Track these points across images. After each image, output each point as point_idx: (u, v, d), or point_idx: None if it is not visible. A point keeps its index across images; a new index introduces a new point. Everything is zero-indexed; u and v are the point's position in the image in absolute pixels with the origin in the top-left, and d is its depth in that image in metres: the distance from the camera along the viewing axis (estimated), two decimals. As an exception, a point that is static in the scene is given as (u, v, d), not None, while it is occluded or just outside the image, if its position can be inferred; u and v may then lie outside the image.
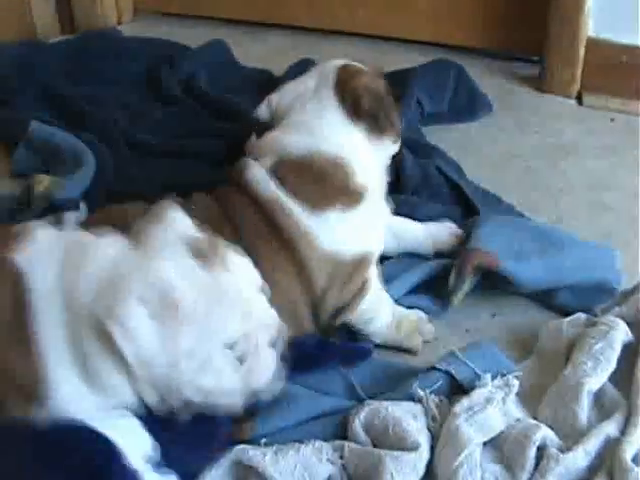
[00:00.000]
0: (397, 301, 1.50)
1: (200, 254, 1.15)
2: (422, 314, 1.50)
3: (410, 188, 1.75)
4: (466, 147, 2.01)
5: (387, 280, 1.50)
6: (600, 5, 2.10)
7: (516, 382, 1.33)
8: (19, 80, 2.25)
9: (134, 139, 1.96)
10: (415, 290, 1.54)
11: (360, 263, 1.40)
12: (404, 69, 2.14)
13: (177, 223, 1.19)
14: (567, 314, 1.47)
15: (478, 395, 1.28)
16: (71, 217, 1.68)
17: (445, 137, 2.02)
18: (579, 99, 2.19)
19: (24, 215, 1.71)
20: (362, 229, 1.42)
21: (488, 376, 1.33)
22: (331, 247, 1.37)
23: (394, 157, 1.62)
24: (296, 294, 1.36)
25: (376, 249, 1.45)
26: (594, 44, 2.14)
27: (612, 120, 2.11)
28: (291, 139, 1.43)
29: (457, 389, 1.33)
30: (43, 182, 1.76)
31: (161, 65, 2.27)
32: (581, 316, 1.45)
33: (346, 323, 1.44)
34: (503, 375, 1.34)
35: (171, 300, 1.09)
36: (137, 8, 2.72)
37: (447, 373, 1.34)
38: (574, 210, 1.81)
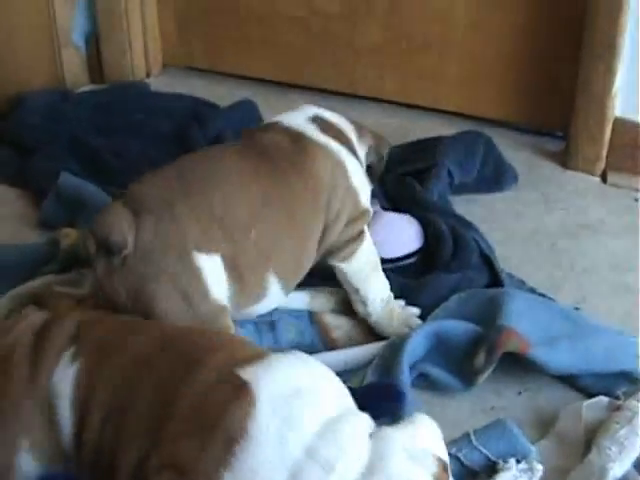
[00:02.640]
0: (417, 369, 1.49)
1: None
2: (414, 309, 1.61)
3: (443, 260, 1.74)
4: (491, 221, 1.98)
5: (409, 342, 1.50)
6: (627, 86, 2.10)
7: (540, 467, 1.30)
8: (48, 129, 2.25)
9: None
10: (436, 361, 1.52)
11: (363, 214, 1.56)
12: (433, 137, 2.13)
13: None
14: (591, 395, 1.46)
15: (502, 480, 1.26)
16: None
17: (470, 209, 2.00)
18: (604, 177, 2.18)
19: (48, 269, 1.70)
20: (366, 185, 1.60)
21: (512, 461, 1.31)
22: (355, 185, 1.54)
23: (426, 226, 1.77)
24: (317, 218, 1.49)
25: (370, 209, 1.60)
26: (620, 124, 2.14)
27: (636, 200, 2.10)
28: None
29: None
30: (70, 236, 1.75)
31: (190, 122, 2.26)
32: (603, 399, 1.43)
33: (344, 283, 1.58)
34: (523, 458, 1.32)
35: None
36: (165, 62, 2.73)
37: (457, 458, 1.32)
38: (597, 290, 1.78)
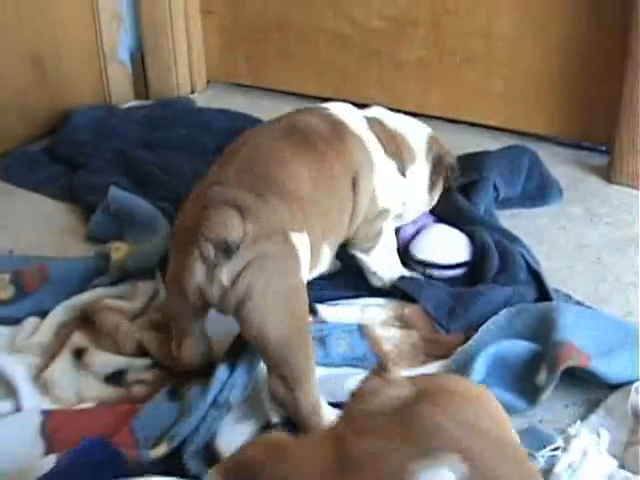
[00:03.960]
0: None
1: None
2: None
3: (490, 275, 1.73)
4: (536, 235, 1.96)
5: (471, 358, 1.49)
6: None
7: (606, 433, 1.33)
8: (96, 145, 2.27)
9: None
10: (496, 382, 1.48)
11: (381, 214, 1.65)
12: (479, 152, 2.12)
13: None
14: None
15: (573, 451, 1.30)
16: (146, 286, 1.69)
17: (515, 223, 1.98)
18: (647, 191, 2.16)
19: (99, 282, 1.70)
20: (394, 191, 1.68)
21: (582, 429, 1.34)
22: (377, 186, 1.62)
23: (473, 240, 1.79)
24: (349, 200, 1.57)
25: (392, 211, 1.69)
26: (665, 138, 2.12)
27: (681, 214, 2.08)
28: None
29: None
30: (120, 249, 1.76)
31: (234, 138, 2.26)
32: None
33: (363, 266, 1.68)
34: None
35: None
36: (210, 78, 2.74)
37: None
38: (643, 304, 1.77)
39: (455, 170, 1.83)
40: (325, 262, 1.56)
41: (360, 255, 1.68)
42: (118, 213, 1.91)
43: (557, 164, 2.23)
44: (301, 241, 1.40)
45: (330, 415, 1.34)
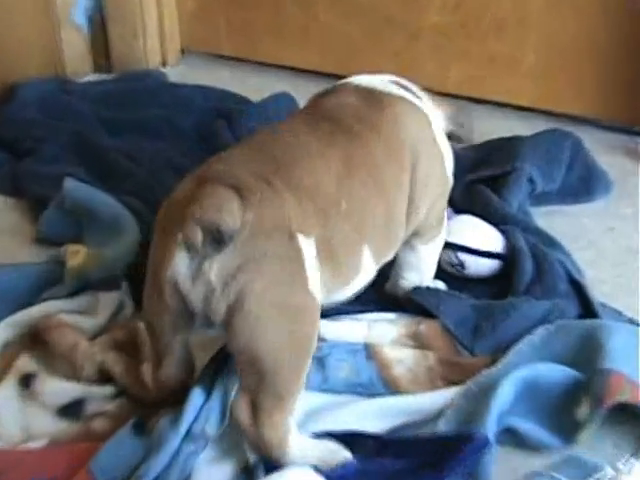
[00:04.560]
0: (502, 422, 1.46)
1: None
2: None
3: (523, 285, 1.73)
4: (578, 238, 1.96)
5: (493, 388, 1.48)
6: None
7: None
8: (46, 126, 2.27)
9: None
10: (526, 414, 1.48)
11: (447, 185, 1.67)
12: (509, 138, 2.13)
13: None
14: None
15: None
16: (109, 298, 1.68)
17: (553, 223, 1.98)
18: None
19: (52, 294, 1.70)
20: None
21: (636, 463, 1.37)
22: (441, 145, 1.63)
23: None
24: (403, 184, 1.55)
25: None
26: None
27: None
28: None
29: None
30: (78, 254, 1.75)
31: (215, 119, 2.28)
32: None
33: (406, 263, 1.70)
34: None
35: None
36: (185, 47, 2.74)
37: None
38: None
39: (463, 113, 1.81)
40: (367, 270, 1.53)
41: (420, 247, 1.69)
42: (75, 210, 1.90)
43: (603, 153, 2.23)
44: (308, 247, 1.37)
45: (302, 451, 1.35)
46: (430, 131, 1.62)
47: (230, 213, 1.27)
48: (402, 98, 1.61)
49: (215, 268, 1.29)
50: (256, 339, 1.30)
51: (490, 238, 1.82)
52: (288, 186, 1.37)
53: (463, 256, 1.78)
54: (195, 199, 1.28)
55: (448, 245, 1.77)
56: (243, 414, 1.34)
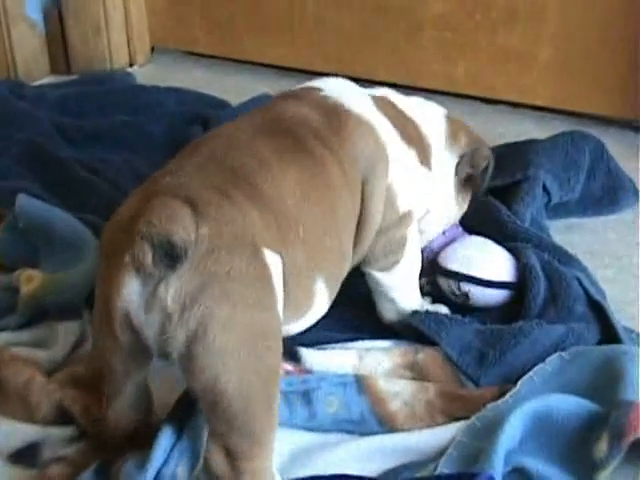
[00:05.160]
0: (510, 462, 1.48)
1: None
2: (443, 308, 1.80)
3: (536, 308, 1.76)
4: (600, 254, 2.01)
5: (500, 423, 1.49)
6: None
7: None
8: (-4, 135, 2.29)
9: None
10: (536, 451, 1.50)
11: (403, 218, 1.70)
12: (522, 142, 2.15)
13: None
14: None
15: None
16: (69, 329, 1.71)
17: (573, 238, 2.03)
18: None
19: (3, 324, 1.73)
20: (417, 186, 1.72)
21: None
22: (396, 181, 1.67)
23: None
24: (354, 212, 1.62)
25: (416, 212, 1.74)
26: None
27: None
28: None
29: None
30: (33, 280, 1.77)
31: (191, 125, 2.31)
32: None
33: (375, 292, 1.75)
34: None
35: None
36: (155, 45, 2.78)
37: None
38: None
39: (490, 164, 1.85)
40: (321, 304, 1.57)
41: (377, 275, 1.73)
42: (29, 230, 1.92)
43: (629, 157, 2.27)
44: (275, 264, 1.39)
45: None
46: (384, 163, 1.66)
47: (182, 224, 1.27)
48: (366, 124, 1.65)
49: (172, 291, 1.28)
50: (222, 374, 1.29)
51: (500, 265, 1.83)
52: (250, 199, 1.40)
53: (467, 287, 1.80)
54: (141, 214, 1.28)
55: (450, 274, 1.81)
56: (220, 462, 1.33)
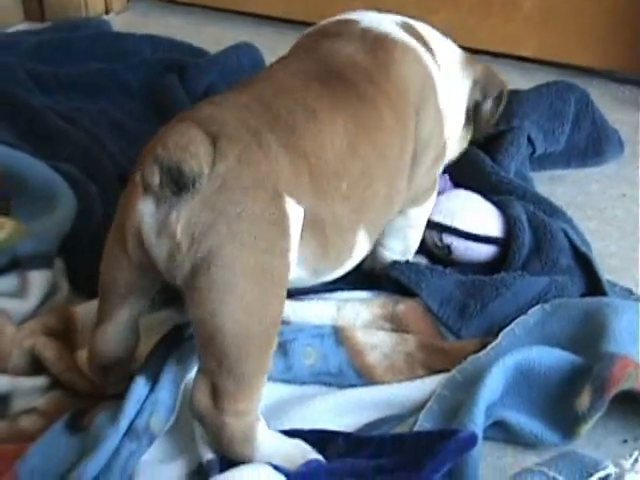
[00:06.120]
0: (491, 415, 1.48)
1: None
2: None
3: (520, 259, 1.75)
4: (585, 206, 1.99)
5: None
6: None
7: None
8: (-32, 83, 2.26)
9: (130, 172, 1.96)
10: (518, 405, 1.50)
11: (444, 149, 1.73)
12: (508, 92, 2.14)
13: None
14: None
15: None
16: (41, 278, 1.69)
17: (557, 189, 2.02)
18: None
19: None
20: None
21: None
22: (444, 107, 1.69)
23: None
24: (408, 149, 1.61)
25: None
26: None
27: None
28: None
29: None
30: (3, 228, 1.76)
31: (167, 73, 2.28)
32: None
33: (394, 228, 1.73)
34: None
35: None
36: (131, -7, 2.75)
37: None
38: None
39: (504, 94, 1.85)
40: (361, 251, 1.58)
41: (410, 211, 1.72)
42: (2, 178, 1.90)
43: (614, 108, 2.26)
44: (296, 213, 1.39)
45: (268, 447, 1.36)
46: (433, 89, 1.67)
47: (195, 155, 1.29)
48: (411, 49, 1.65)
49: (182, 221, 1.30)
50: (221, 309, 1.31)
51: (486, 219, 1.81)
52: (284, 146, 1.39)
53: (449, 239, 1.79)
54: (162, 138, 1.30)
55: (433, 225, 1.79)
56: (203, 399, 1.34)
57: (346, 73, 1.56)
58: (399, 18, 1.73)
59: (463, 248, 1.78)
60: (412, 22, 1.74)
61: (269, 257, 1.34)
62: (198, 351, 1.35)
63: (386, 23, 1.68)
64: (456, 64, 1.79)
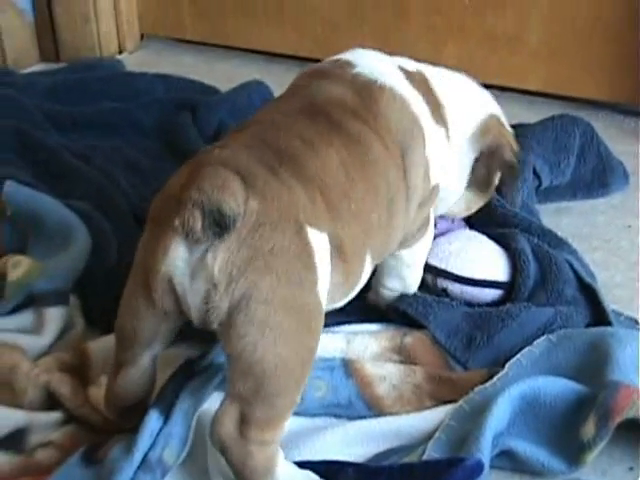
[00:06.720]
0: (497, 445, 1.49)
1: None
2: None
3: (525, 291, 1.76)
4: (590, 237, 2.01)
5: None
6: None
7: None
8: (-15, 123, 2.28)
9: (143, 209, 1.97)
10: (524, 434, 1.51)
11: (433, 191, 1.70)
12: (514, 126, 2.08)
13: None
14: None
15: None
16: (56, 315, 1.70)
17: (562, 221, 2.03)
18: None
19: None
20: (442, 162, 1.72)
21: None
22: (430, 151, 1.66)
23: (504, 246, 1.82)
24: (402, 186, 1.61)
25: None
26: None
27: None
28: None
29: None
30: (20, 266, 1.77)
31: (179, 112, 2.31)
32: None
33: (390, 268, 1.74)
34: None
35: None
36: (144, 32, 2.78)
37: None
38: None
39: (514, 170, 1.84)
40: (365, 277, 1.59)
41: (401, 252, 1.71)
42: (17, 217, 1.92)
43: (619, 140, 2.27)
44: (320, 242, 1.40)
45: (285, 478, 1.36)
46: (421, 135, 1.65)
47: (233, 195, 1.29)
48: (400, 97, 1.64)
49: (219, 261, 1.30)
50: (260, 343, 1.31)
51: (486, 262, 1.80)
52: (295, 176, 1.41)
53: (444, 283, 1.79)
54: (193, 182, 1.30)
55: (428, 268, 1.79)
56: (229, 426, 1.33)
57: (331, 111, 1.56)
58: (408, 64, 1.75)
59: (459, 292, 1.78)
60: (431, 78, 1.75)
61: (300, 290, 1.34)
62: (231, 380, 1.34)
63: (380, 68, 1.67)
64: (467, 133, 1.79)
